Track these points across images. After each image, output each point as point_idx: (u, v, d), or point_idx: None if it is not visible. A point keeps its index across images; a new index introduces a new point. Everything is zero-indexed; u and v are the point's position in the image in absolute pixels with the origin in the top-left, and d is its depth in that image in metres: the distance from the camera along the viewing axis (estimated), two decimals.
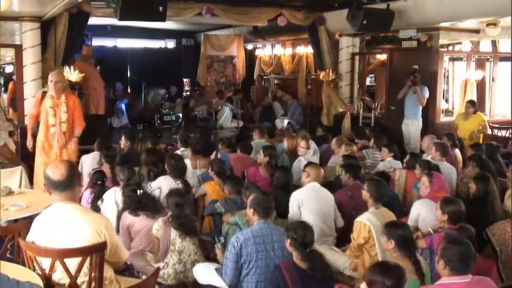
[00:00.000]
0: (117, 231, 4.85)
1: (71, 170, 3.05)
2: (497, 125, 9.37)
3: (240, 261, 3.68)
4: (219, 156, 6.37)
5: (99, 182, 5.36)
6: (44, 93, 6.36)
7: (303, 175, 5.05)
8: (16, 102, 9.28)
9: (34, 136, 6.44)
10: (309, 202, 4.70)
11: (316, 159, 6.44)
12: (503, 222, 4.25)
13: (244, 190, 4.80)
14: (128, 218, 4.55)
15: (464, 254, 2.97)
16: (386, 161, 6.43)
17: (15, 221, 4.19)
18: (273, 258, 3.68)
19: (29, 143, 6.45)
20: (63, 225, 2.95)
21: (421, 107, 8.57)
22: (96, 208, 4.93)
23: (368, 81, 11.73)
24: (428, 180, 4.85)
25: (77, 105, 6.41)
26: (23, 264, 3.08)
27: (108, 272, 3.12)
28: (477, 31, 9.40)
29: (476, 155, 5.98)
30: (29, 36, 7.84)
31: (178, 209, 4.32)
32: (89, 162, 6.19)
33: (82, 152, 6.66)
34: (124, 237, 4.58)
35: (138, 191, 4.64)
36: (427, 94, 8.52)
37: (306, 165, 5.29)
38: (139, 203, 4.57)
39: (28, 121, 6.57)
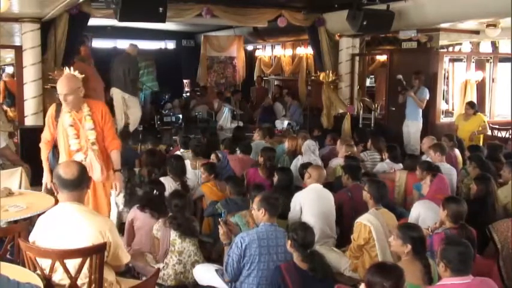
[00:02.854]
0: (118, 231, 4.88)
1: (83, 171, 3.06)
2: (497, 126, 9.38)
3: (242, 262, 3.68)
4: (219, 156, 6.39)
5: None
6: (59, 106, 4.43)
7: (305, 176, 5.06)
8: (12, 99, 9.39)
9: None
10: (310, 204, 4.69)
11: (311, 159, 6.42)
12: (506, 220, 4.25)
13: (251, 192, 4.78)
14: (134, 212, 4.61)
15: (463, 254, 2.97)
16: (384, 163, 6.45)
17: (15, 222, 4.19)
18: (276, 262, 3.66)
19: (47, 179, 4.47)
20: (67, 226, 2.94)
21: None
22: None
23: (368, 82, 11.74)
24: (430, 179, 4.94)
25: (107, 115, 4.45)
26: (23, 265, 3.08)
27: (109, 276, 3.12)
28: (477, 32, 9.40)
29: (476, 156, 5.98)
30: (29, 37, 7.84)
31: (176, 209, 4.33)
32: None
33: None
34: (128, 231, 4.64)
35: (155, 191, 4.70)
36: (427, 95, 8.50)
37: (304, 166, 5.34)
38: (149, 201, 4.62)
39: (42, 148, 4.54)
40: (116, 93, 9.22)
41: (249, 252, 3.65)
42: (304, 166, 5.85)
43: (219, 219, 4.13)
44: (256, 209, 3.88)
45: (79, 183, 3.00)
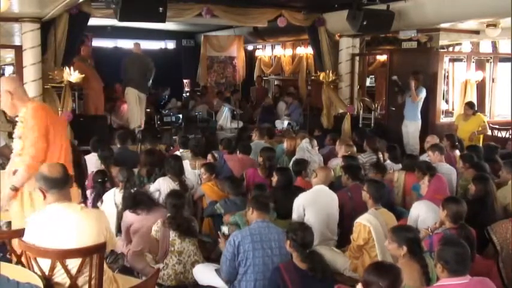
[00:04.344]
0: (118, 231, 4.88)
1: (66, 169, 3.12)
2: (497, 126, 9.37)
3: (237, 259, 3.69)
4: (216, 156, 6.38)
5: (99, 180, 5.37)
6: None
7: (312, 175, 5.06)
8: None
9: None
10: (313, 207, 4.66)
11: (306, 156, 6.43)
12: (505, 221, 4.24)
13: (253, 192, 4.80)
14: (128, 216, 4.60)
15: (460, 255, 2.96)
16: (386, 163, 6.44)
17: None
18: (271, 257, 3.69)
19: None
20: (67, 227, 2.92)
21: (419, 108, 8.53)
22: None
23: (368, 82, 11.74)
24: (428, 180, 4.93)
25: (29, 119, 3.65)
26: (23, 265, 3.08)
27: (106, 272, 3.13)
28: (477, 32, 9.42)
29: (468, 156, 5.98)
30: (29, 37, 7.85)
31: (174, 210, 4.33)
32: (93, 162, 6.15)
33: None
34: (125, 236, 4.63)
35: (132, 190, 4.72)
36: (422, 94, 8.49)
37: (296, 162, 5.47)
38: (134, 198, 4.62)
39: None
40: (131, 92, 9.62)
41: (243, 249, 3.67)
42: (296, 162, 5.87)
43: (219, 232, 4.19)
44: (247, 209, 3.97)
45: (66, 180, 3.05)
